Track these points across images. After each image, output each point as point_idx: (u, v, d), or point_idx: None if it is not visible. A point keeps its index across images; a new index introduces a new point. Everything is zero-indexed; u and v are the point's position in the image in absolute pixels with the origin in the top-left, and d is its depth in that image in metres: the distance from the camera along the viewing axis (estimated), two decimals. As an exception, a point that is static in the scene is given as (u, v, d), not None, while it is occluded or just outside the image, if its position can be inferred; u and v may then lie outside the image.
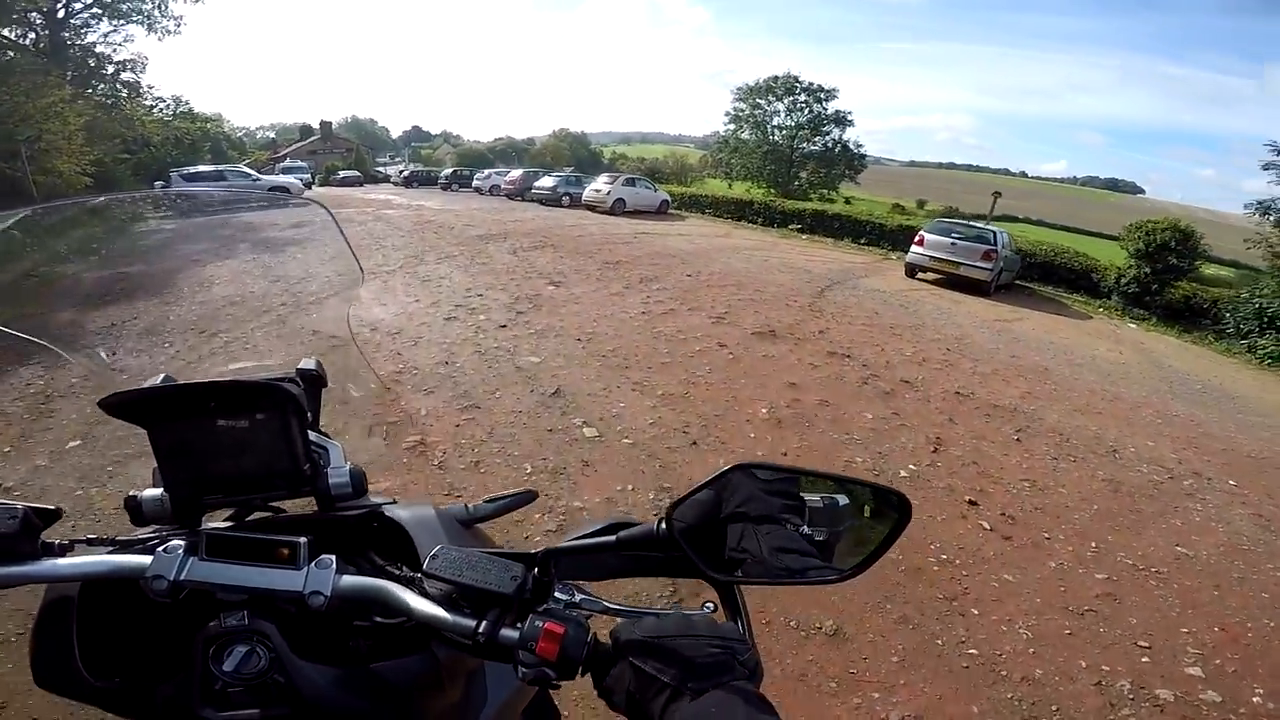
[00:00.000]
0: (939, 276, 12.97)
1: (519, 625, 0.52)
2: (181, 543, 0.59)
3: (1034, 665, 2.47)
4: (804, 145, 32.33)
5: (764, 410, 4.62)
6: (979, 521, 3.44)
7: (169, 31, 28.84)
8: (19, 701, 1.81)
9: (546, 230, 13.76)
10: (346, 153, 56.33)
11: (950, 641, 2.53)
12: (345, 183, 36.98)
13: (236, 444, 0.67)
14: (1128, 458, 4.85)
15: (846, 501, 0.61)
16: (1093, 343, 9.93)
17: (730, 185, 32.48)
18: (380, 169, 56.15)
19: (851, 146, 33.17)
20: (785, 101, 32.08)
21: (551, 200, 21.76)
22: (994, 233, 13.20)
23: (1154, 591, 3.08)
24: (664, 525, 0.58)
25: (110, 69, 28.86)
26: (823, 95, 31.77)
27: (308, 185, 29.55)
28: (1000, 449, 4.60)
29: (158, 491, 0.68)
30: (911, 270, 13.40)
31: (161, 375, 0.72)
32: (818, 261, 13.88)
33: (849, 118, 32.42)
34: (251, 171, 23.54)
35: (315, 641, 0.63)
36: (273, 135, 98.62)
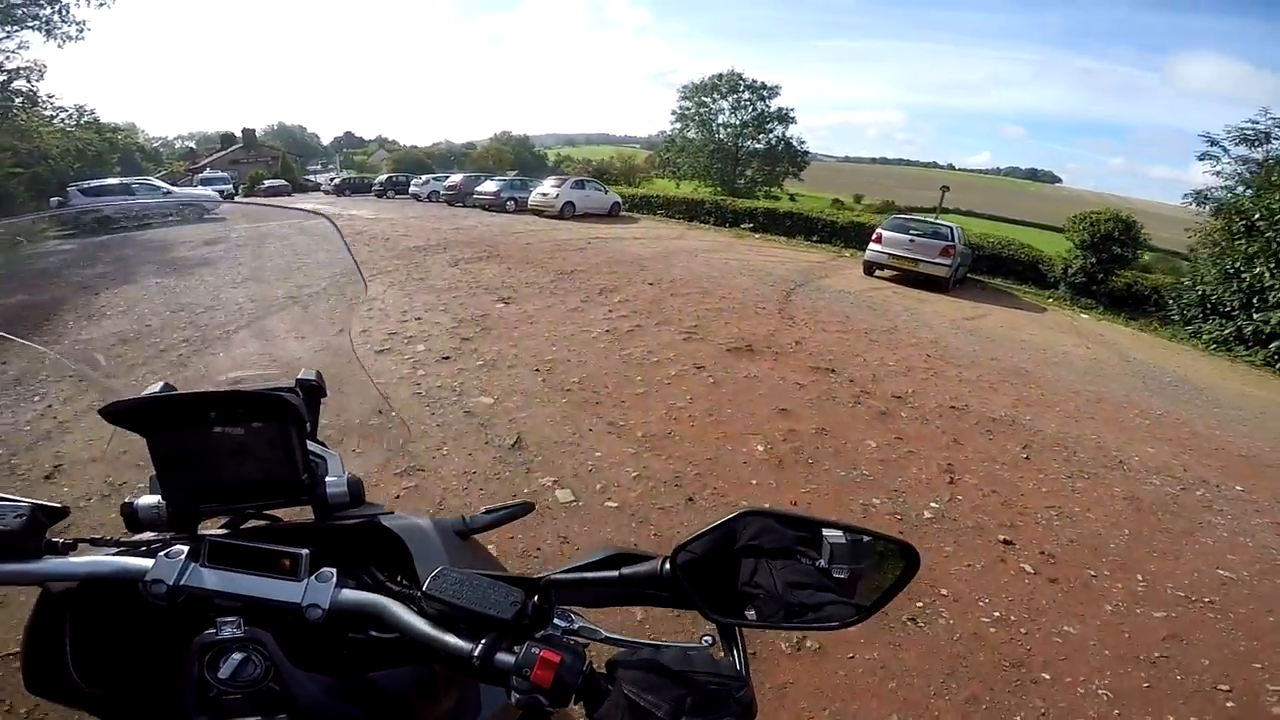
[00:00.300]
0: (896, 273, 12.82)
1: (515, 650, 0.50)
2: (184, 548, 0.58)
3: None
4: (749, 143, 32.31)
5: (760, 447, 4.03)
6: (1020, 564, 3.13)
7: (70, 38, 26.16)
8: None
9: (492, 239, 12.82)
10: (272, 161, 53.19)
11: (1030, 718, 2.26)
12: (271, 193, 34.59)
13: (235, 452, 0.68)
14: (1135, 468, 4.66)
15: (860, 539, 0.57)
16: (1058, 338, 9.87)
17: (678, 185, 32.12)
18: (310, 177, 53.52)
19: (794, 143, 33.40)
20: (730, 99, 32.03)
21: (495, 206, 20.63)
22: (950, 228, 13.14)
23: (1215, 625, 2.91)
24: (667, 565, 0.56)
25: (1, 77, 26.01)
26: (765, 92, 31.88)
27: (228, 197, 27.46)
28: (1013, 470, 4.27)
29: (155, 498, 0.69)
30: (870, 268, 13.21)
31: (161, 384, 0.74)
32: (776, 261, 13.52)
33: (791, 114, 32.67)
34: (162, 184, 21.57)
35: (310, 650, 0.62)
36: (192, 145, 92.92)
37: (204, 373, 1.87)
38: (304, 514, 0.76)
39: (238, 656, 0.55)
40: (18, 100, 26.93)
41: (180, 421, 0.66)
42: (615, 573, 0.58)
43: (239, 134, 60.44)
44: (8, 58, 25.71)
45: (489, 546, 0.95)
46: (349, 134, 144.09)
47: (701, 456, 3.80)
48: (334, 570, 0.59)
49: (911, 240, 12.53)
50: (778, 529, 0.57)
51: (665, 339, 6.11)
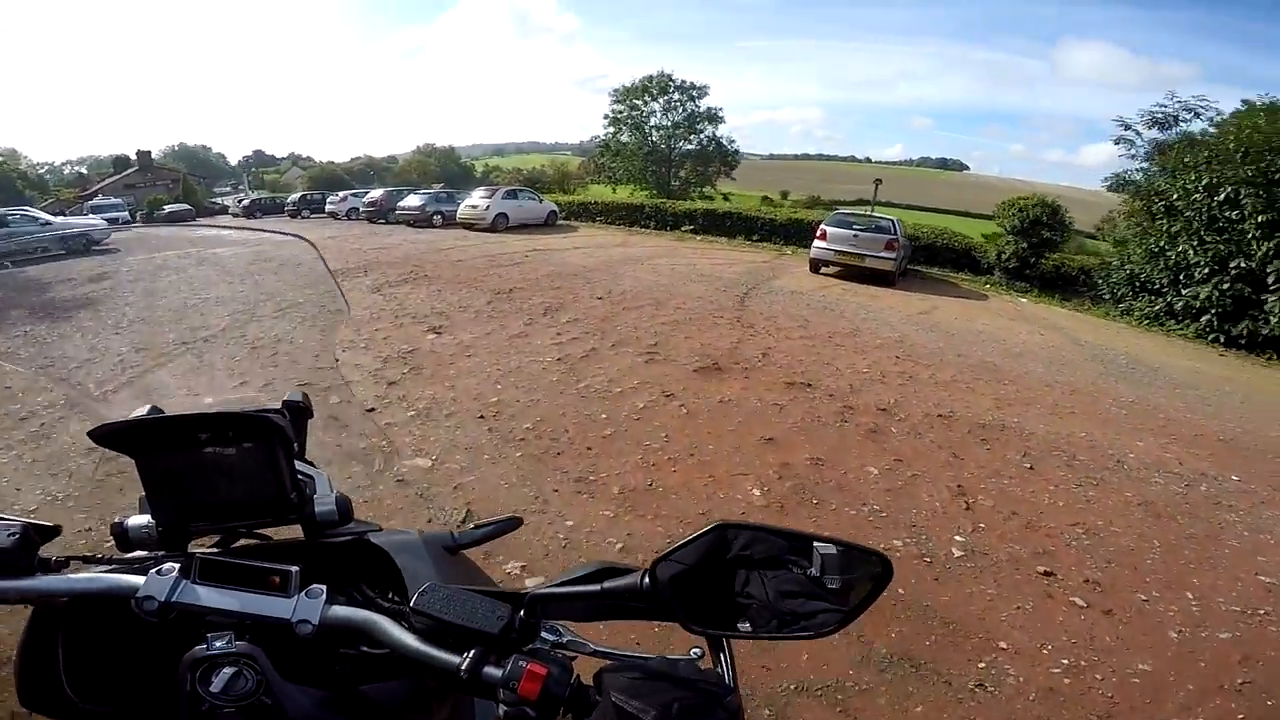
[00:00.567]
0: (841, 269, 12.67)
1: (503, 664, 0.50)
2: (176, 565, 0.59)
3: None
4: (681, 144, 32.12)
5: (755, 491, 3.47)
6: (1068, 598, 2.87)
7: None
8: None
9: (418, 257, 11.77)
10: (173, 184, 49.13)
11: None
12: (174, 218, 31.69)
13: (224, 473, 0.68)
14: (1134, 467, 4.49)
15: (835, 550, 0.58)
16: (1010, 326, 9.87)
17: (614, 190, 31.58)
18: (217, 199, 49.80)
19: (725, 143, 33.50)
20: (661, 101, 31.66)
21: (421, 221, 19.34)
22: (892, 221, 13.12)
23: (1280, 639, 2.73)
24: (647, 580, 0.56)
25: None
26: (695, 93, 31.73)
27: (125, 224, 24.92)
28: (1022, 484, 3.98)
29: (145, 518, 0.69)
30: (816, 265, 13.02)
31: (148, 406, 0.73)
32: (723, 264, 13.13)
33: (720, 114, 32.69)
34: (41, 214, 19.14)
35: (302, 663, 0.62)
36: (83, 170, 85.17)
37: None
38: (295, 533, 0.76)
39: (229, 671, 0.55)
40: None
41: (168, 443, 0.67)
42: (598, 586, 0.58)
43: (134, 156, 55.62)
44: None
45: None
46: (259, 153, 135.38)
47: (693, 511, 3.19)
48: (323, 587, 0.59)
49: (855, 235, 12.40)
50: (767, 540, 0.58)
51: (625, 363, 5.48)
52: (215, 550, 0.71)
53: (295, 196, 30.43)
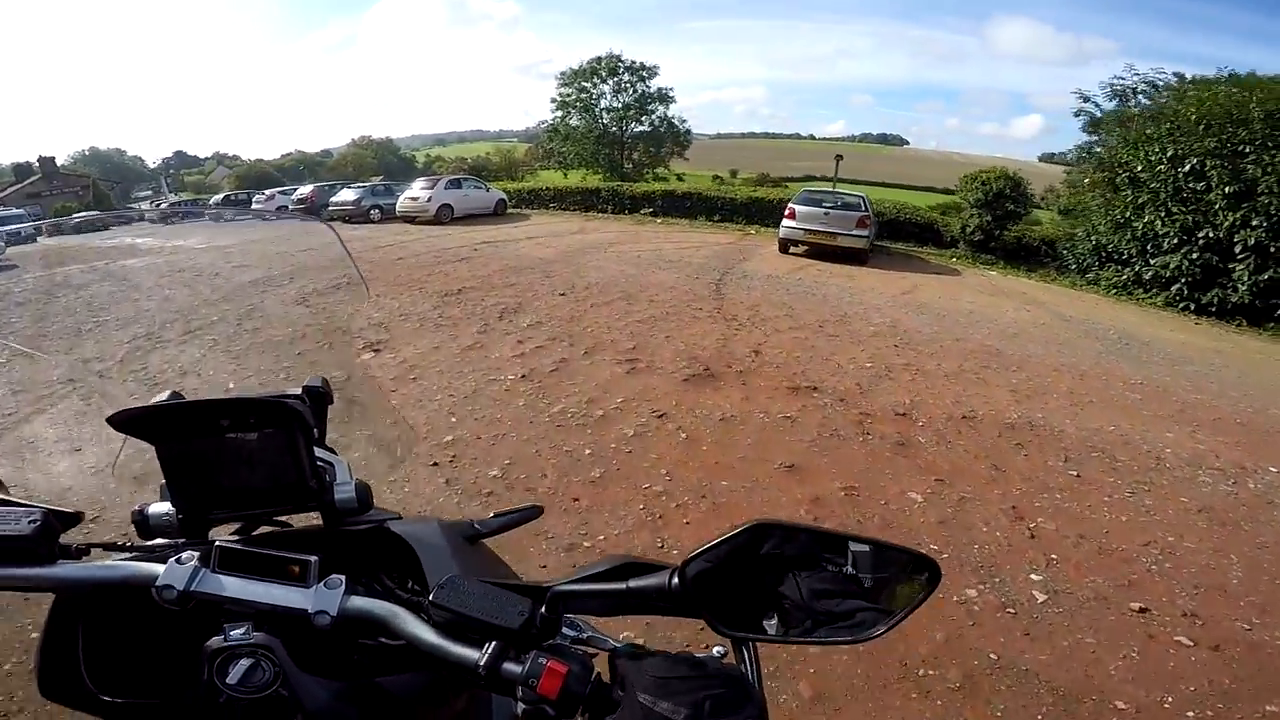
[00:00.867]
0: (810, 249, 12.13)
1: (523, 660, 0.48)
2: (195, 554, 0.58)
3: None
4: (633, 125, 31.01)
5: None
6: (1172, 638, 2.49)
7: None
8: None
9: (353, 257, 10.60)
10: (82, 191, 45.01)
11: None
12: (83, 228, 28.84)
13: (244, 460, 0.67)
14: (1175, 464, 4.12)
15: (878, 551, 0.54)
16: (994, 302, 9.51)
17: (565, 175, 30.31)
18: (134, 205, 46.02)
19: (676, 123, 32.63)
20: (611, 83, 30.36)
21: (357, 217, 17.74)
22: (861, 198, 12.65)
23: None
24: (675, 579, 0.54)
25: None
26: (645, 73, 30.55)
27: (28, 239, 22.37)
28: (1076, 498, 3.52)
29: (165, 505, 0.68)
30: (785, 245, 12.47)
31: (169, 391, 0.71)
32: (689, 248, 12.39)
33: (671, 94, 31.68)
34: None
35: (319, 655, 0.61)
36: (-25, 177, 77.71)
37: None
38: (316, 520, 0.74)
39: (246, 662, 0.54)
40: None
41: (189, 429, 0.66)
42: (623, 584, 0.56)
43: (37, 163, 50.68)
44: None
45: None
46: (180, 154, 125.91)
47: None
48: (342, 577, 0.58)
49: (826, 213, 11.87)
50: (802, 539, 0.55)
51: (603, 375, 4.67)
52: (235, 538, 0.69)
53: (218, 198, 28.11)
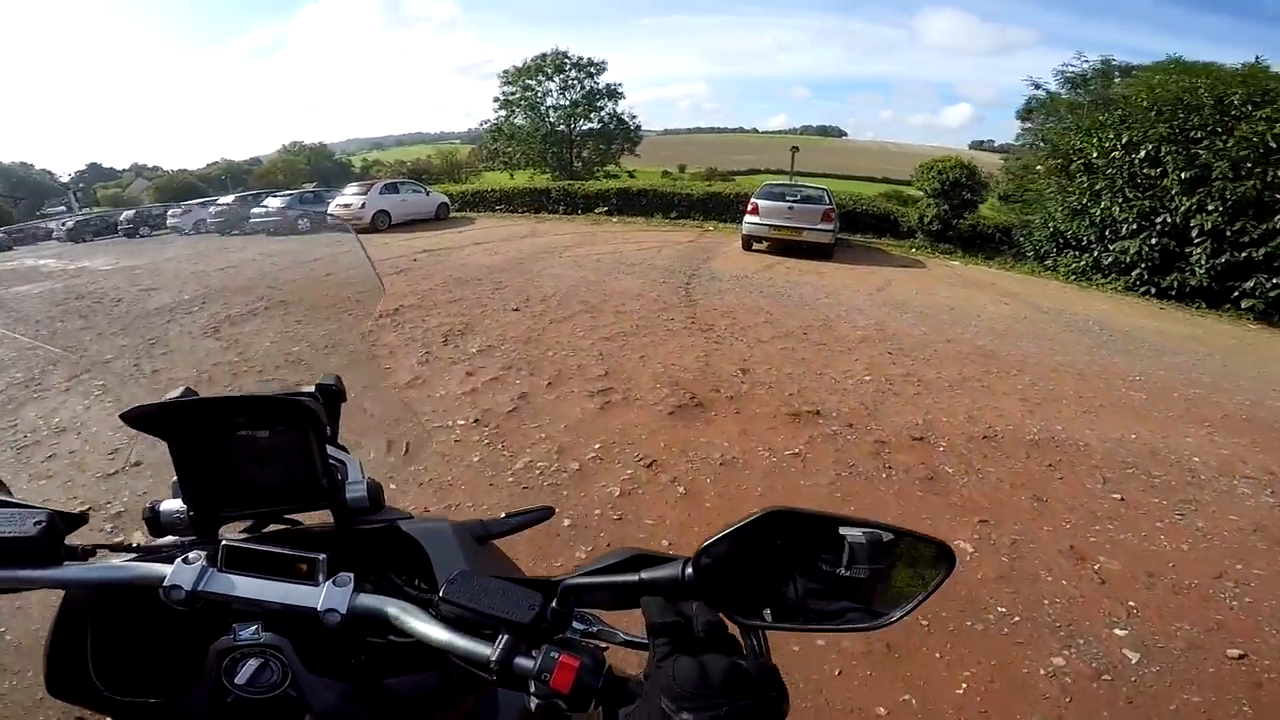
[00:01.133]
0: (772, 244, 11.64)
1: (534, 654, 0.48)
2: (202, 553, 0.57)
3: None
4: (581, 123, 30.01)
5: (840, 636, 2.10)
6: (1275, 687, 2.14)
7: None
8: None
9: (275, 275, 9.48)
10: (-24, 203, 41.14)
11: None
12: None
13: (256, 457, 0.66)
14: (1209, 476, 3.80)
15: (891, 537, 0.51)
16: (968, 295, 9.22)
17: (512, 176, 29.11)
18: (42, 222, 42.19)
19: (626, 119, 31.84)
20: (557, 80, 29.24)
21: (283, 228, 16.49)
22: (824, 191, 12.25)
23: None
24: (689, 569, 0.51)
25: None
26: (593, 69, 29.53)
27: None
28: (1129, 527, 3.13)
29: (176, 503, 0.67)
30: (748, 242, 11.99)
31: (182, 388, 0.70)
32: (649, 248, 11.70)
33: (620, 90, 30.81)
34: None
35: (328, 654, 0.60)
36: None
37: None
38: (327, 518, 0.72)
39: (255, 663, 0.54)
40: None
41: (202, 426, 0.64)
42: (635, 576, 0.54)
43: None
44: None
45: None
46: (94, 166, 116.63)
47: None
48: (351, 575, 0.56)
49: (790, 208, 11.40)
50: (818, 526, 0.51)
51: (572, 413, 3.92)
52: (244, 537, 0.67)
53: (129, 213, 25.64)
